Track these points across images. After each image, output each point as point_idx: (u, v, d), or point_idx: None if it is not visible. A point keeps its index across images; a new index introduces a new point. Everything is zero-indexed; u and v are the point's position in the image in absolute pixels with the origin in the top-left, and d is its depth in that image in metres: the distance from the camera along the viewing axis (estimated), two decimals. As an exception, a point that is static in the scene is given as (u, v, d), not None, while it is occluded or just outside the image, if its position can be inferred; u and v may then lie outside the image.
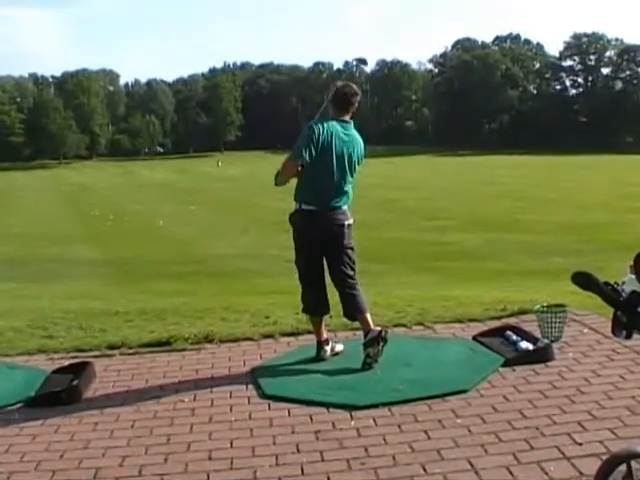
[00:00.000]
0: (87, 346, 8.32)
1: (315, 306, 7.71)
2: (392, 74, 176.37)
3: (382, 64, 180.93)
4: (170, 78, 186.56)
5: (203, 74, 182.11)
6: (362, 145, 7.63)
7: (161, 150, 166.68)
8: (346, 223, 7.44)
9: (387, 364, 7.23)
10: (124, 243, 25.84)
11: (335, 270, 7.54)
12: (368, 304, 7.57)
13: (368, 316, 7.47)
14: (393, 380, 6.82)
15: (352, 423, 5.93)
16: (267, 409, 6.35)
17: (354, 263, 7.55)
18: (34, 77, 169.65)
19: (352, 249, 7.54)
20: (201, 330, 8.58)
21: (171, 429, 6.00)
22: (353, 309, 7.54)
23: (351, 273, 7.51)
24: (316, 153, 7.37)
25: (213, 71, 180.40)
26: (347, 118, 7.57)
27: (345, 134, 7.47)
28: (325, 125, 7.50)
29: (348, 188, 7.51)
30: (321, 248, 7.50)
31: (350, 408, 6.20)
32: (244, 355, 7.86)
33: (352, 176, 7.54)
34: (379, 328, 7.37)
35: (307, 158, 7.40)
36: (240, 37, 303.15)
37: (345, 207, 7.50)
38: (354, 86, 7.75)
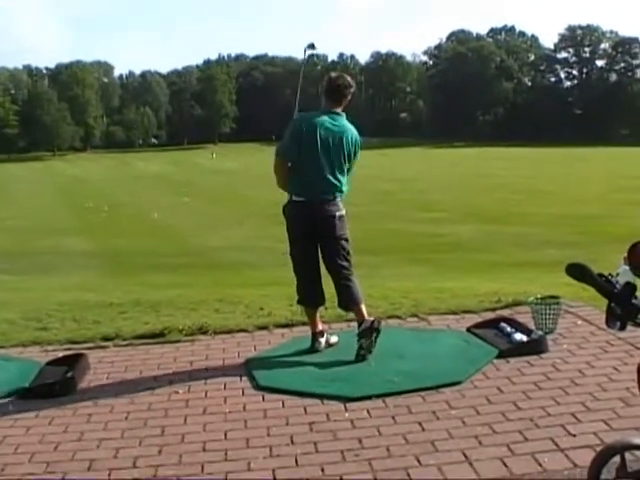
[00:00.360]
0: (81, 338, 8.31)
1: (310, 297, 7.69)
2: (386, 66, 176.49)
3: (376, 56, 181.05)
4: (164, 70, 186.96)
5: (197, 66, 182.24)
6: (355, 136, 7.53)
7: (155, 142, 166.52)
8: (337, 214, 7.39)
9: (381, 356, 7.23)
10: (118, 235, 25.82)
11: (329, 261, 7.53)
12: (363, 295, 7.56)
13: (363, 307, 7.46)
14: (387, 372, 6.82)
15: (346, 415, 5.93)
16: (261, 400, 6.34)
17: (349, 254, 7.52)
18: (28, 69, 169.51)
19: (346, 240, 7.51)
20: (195, 322, 8.57)
21: (165, 420, 5.99)
22: (348, 300, 7.54)
23: (346, 264, 7.49)
24: (300, 147, 7.39)
25: (207, 63, 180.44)
26: (339, 110, 7.52)
27: (334, 125, 7.41)
28: (309, 117, 7.52)
29: (340, 179, 7.44)
30: (314, 239, 7.49)
31: (344, 400, 6.20)
32: (238, 347, 7.85)
33: (343, 167, 7.46)
34: (372, 318, 7.35)
35: (290, 154, 7.47)
36: (235, 29, 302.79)
37: (337, 198, 7.45)
38: (348, 78, 7.69)
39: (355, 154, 7.57)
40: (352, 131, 7.53)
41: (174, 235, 25.64)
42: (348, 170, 7.56)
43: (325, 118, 7.46)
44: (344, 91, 7.53)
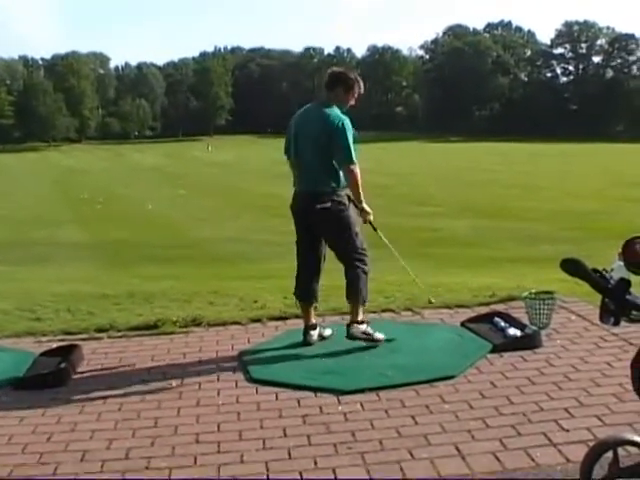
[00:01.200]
0: (75, 329, 8.32)
1: (303, 293, 7.70)
2: (383, 60, 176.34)
3: (373, 50, 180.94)
4: (160, 62, 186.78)
5: (194, 58, 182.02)
6: (331, 121, 7.26)
7: (150, 133, 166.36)
8: (321, 206, 7.29)
9: (375, 349, 7.27)
10: (113, 226, 25.74)
11: (335, 254, 7.54)
12: (364, 295, 7.52)
13: (357, 308, 7.46)
14: (381, 365, 6.82)
15: (339, 408, 5.94)
16: (254, 393, 6.35)
17: (349, 248, 7.42)
18: (24, 59, 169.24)
19: (343, 233, 7.40)
20: (189, 314, 8.58)
21: (158, 412, 6.00)
22: (346, 293, 7.56)
23: (346, 258, 7.45)
24: (289, 141, 7.56)
25: (204, 55, 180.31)
26: (330, 100, 7.44)
27: (314, 115, 7.42)
28: (299, 111, 7.58)
29: (327, 170, 7.32)
30: (309, 231, 7.50)
31: (337, 393, 6.21)
32: (232, 339, 7.86)
33: (328, 158, 7.29)
34: (348, 332, 7.43)
35: (285, 148, 7.66)
36: (231, 21, 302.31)
37: (326, 190, 7.32)
38: (344, 71, 7.67)
39: (331, 139, 7.25)
40: (330, 117, 7.30)
41: (170, 227, 25.58)
42: (340, 156, 7.29)
43: (308, 109, 7.57)
44: (331, 80, 7.48)
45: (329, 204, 7.32)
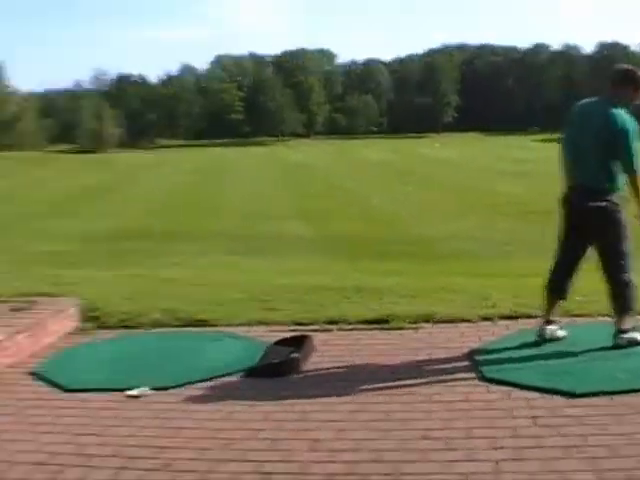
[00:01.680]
0: (305, 320, 8.49)
1: (555, 284, 7.53)
2: (611, 57, 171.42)
3: (601, 46, 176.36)
4: (386, 58, 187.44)
5: (420, 54, 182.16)
6: (612, 122, 6.99)
7: (377, 129, 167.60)
8: (594, 205, 7.04)
9: (607, 352, 7.08)
10: (339, 220, 26.11)
11: (599, 255, 7.29)
12: (630, 304, 7.25)
13: (622, 317, 7.25)
14: (614, 369, 6.63)
15: (571, 410, 5.80)
16: (485, 392, 6.30)
17: (616, 251, 7.17)
18: (253, 56, 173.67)
19: (612, 235, 7.14)
20: (418, 310, 8.59)
21: (388, 406, 6.05)
22: (611, 302, 7.38)
23: (609, 262, 7.21)
24: (564, 132, 7.47)
25: (431, 52, 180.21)
26: (619, 97, 7.17)
27: (599, 111, 7.17)
28: (576, 104, 7.48)
29: (605, 168, 7.06)
30: (576, 228, 7.30)
31: (568, 395, 6.08)
32: (462, 337, 7.82)
33: (604, 155, 7.04)
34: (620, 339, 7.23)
35: (562, 141, 7.52)
36: (456, 18, 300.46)
37: (605, 188, 7.06)
38: (628, 67, 7.46)
39: (616, 140, 6.99)
40: (618, 118, 7.03)
41: (395, 223, 25.71)
42: (622, 161, 7.03)
43: (591, 103, 7.40)
44: (622, 77, 7.28)
45: (604, 203, 7.06)
